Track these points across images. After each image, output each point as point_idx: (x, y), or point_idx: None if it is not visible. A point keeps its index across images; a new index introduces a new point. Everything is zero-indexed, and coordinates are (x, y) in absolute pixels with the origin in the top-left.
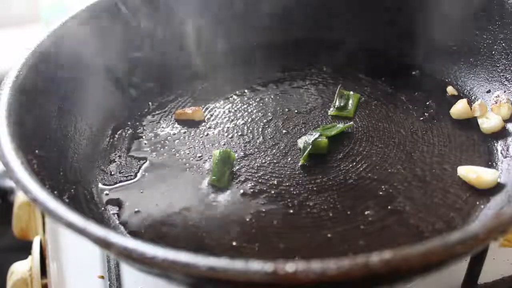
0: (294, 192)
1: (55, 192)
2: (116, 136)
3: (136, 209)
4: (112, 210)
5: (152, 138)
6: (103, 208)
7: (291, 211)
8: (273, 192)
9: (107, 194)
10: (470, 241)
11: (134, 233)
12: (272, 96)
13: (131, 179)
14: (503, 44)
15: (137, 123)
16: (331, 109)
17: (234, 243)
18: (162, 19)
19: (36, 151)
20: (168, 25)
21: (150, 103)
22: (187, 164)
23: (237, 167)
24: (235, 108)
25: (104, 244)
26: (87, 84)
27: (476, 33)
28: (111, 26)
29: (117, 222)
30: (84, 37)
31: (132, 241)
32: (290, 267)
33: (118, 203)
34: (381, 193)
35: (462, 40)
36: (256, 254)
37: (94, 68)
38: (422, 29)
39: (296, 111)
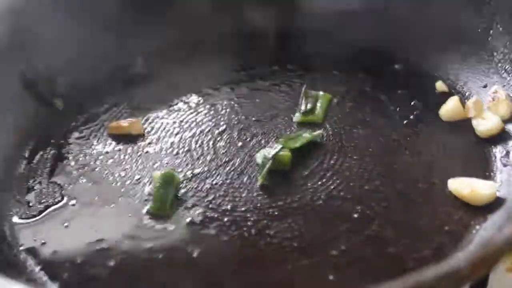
0: (252, 219)
1: None
2: (36, 158)
3: (59, 248)
4: (29, 250)
5: (80, 158)
6: (17, 249)
7: (248, 242)
8: (226, 219)
9: (23, 230)
10: (449, 278)
11: (56, 278)
12: (225, 102)
13: (53, 210)
14: (501, 28)
15: (62, 141)
16: (296, 114)
17: (179, 285)
18: (88, 14)
19: None
20: (97, 19)
21: (78, 115)
22: (123, 189)
23: (182, 191)
24: (181, 118)
25: None
26: None
27: (468, 16)
28: (28, 23)
29: (34, 265)
30: None
31: None
32: None
33: (36, 241)
34: (355, 215)
35: (452, 26)
36: None
37: (5, 75)
38: (405, 14)
39: (254, 119)
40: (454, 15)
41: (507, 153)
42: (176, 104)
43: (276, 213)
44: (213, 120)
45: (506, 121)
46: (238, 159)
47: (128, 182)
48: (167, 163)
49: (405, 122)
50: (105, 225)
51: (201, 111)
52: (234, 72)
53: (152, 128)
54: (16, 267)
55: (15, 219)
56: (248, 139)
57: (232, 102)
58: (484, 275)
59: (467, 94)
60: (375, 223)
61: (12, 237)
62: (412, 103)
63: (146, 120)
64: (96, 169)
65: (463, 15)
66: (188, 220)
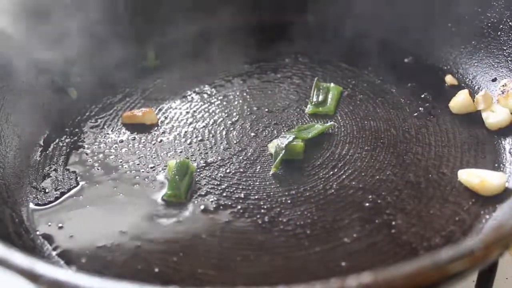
0: (265, 207)
1: None
2: (51, 146)
3: (76, 234)
4: (46, 235)
5: (95, 147)
6: (34, 234)
7: (261, 229)
8: (239, 207)
9: (40, 216)
10: (464, 259)
11: (73, 263)
12: (238, 93)
13: (69, 197)
14: (510, 23)
15: (77, 130)
16: (308, 106)
17: (193, 270)
18: (103, 5)
19: None
20: (110, 10)
21: (92, 105)
22: (137, 177)
23: (196, 179)
24: (194, 109)
25: (30, 276)
26: (14, 84)
27: (478, 10)
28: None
29: (51, 250)
30: (10, 29)
31: (65, 273)
32: None
33: (52, 226)
34: (367, 204)
35: (462, 20)
36: (219, 282)
37: (23, 65)
38: (415, 7)
39: (266, 109)
40: (464, 9)
41: None
42: (189, 94)
43: (288, 201)
44: (226, 110)
45: None
46: (251, 149)
47: (142, 170)
48: (180, 152)
49: (415, 114)
50: (121, 212)
51: (214, 102)
52: (246, 65)
53: (166, 117)
54: (33, 252)
55: (32, 205)
56: (260, 130)
57: (245, 94)
58: (496, 258)
59: (476, 87)
60: (387, 212)
61: (30, 222)
62: (422, 95)
63: (160, 110)
64: (111, 157)
65: (473, 10)
66: (202, 207)
